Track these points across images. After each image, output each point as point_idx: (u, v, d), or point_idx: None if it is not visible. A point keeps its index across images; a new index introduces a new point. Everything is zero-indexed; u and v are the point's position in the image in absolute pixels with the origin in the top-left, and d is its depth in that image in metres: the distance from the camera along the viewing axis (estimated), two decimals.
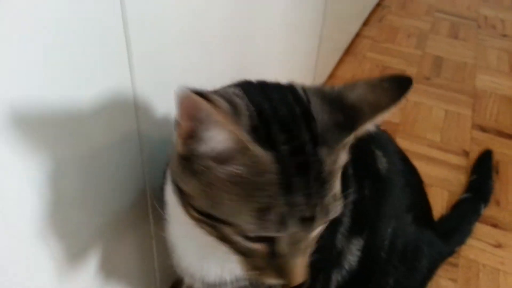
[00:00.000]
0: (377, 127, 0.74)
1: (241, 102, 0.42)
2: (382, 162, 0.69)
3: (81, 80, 0.48)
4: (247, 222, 0.42)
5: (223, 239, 0.45)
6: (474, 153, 1.34)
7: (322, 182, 0.43)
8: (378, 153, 0.69)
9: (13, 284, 0.50)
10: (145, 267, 0.76)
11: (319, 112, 0.44)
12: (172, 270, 0.82)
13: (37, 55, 0.42)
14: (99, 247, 0.62)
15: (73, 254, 0.57)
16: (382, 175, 0.68)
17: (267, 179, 0.41)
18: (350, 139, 0.44)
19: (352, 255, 0.67)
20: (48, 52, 0.43)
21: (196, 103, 0.37)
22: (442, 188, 1.24)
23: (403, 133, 1.42)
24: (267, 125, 0.42)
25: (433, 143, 1.39)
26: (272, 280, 0.48)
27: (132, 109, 0.57)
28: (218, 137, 0.40)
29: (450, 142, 1.40)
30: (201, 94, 0.37)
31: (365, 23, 1.97)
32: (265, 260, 0.46)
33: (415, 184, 0.77)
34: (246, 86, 0.46)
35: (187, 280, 0.62)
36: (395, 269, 0.72)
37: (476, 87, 1.66)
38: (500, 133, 1.45)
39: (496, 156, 1.33)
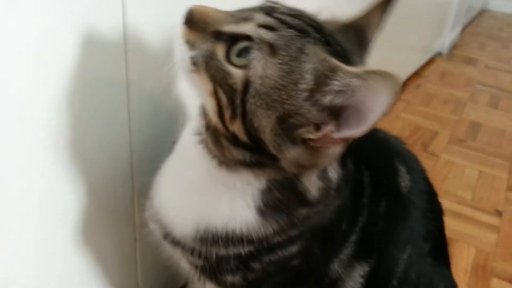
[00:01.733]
0: (403, 143, 0.68)
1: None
2: (405, 180, 0.62)
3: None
4: None
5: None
6: (508, 213, 1.24)
7: None
8: (402, 169, 0.63)
9: None
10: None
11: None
12: (155, 274, 0.77)
13: None
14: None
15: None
16: (403, 193, 0.61)
17: None
18: None
19: (354, 282, 0.58)
20: None
21: None
22: (469, 244, 1.13)
23: None
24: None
25: (463, 200, 1.30)
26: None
27: (122, 50, 0.56)
28: None
29: (482, 201, 1.30)
30: None
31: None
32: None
33: (436, 212, 0.67)
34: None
35: (150, 226, 0.58)
36: None
37: None
38: None
39: None
